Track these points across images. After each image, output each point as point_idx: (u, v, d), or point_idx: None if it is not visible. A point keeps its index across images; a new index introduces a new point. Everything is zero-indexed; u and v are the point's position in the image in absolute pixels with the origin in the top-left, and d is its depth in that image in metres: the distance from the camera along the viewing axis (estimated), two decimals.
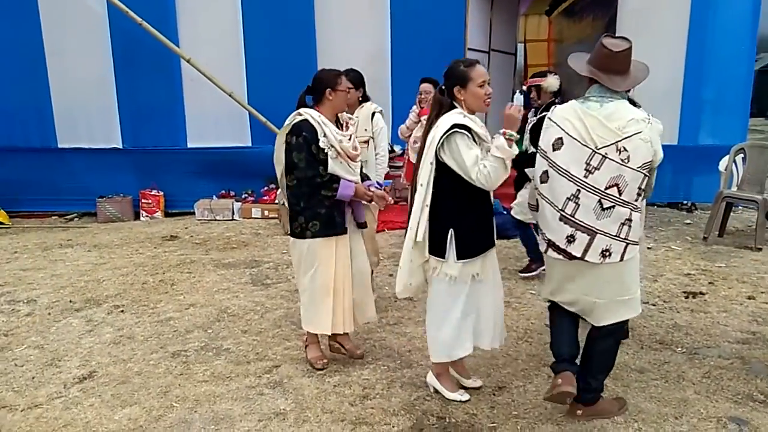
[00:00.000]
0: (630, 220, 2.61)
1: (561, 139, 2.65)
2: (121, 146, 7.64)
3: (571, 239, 2.64)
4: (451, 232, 2.83)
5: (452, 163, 2.77)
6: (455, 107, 2.85)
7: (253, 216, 7.47)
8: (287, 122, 3.25)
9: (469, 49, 7.68)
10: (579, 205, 2.60)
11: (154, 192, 7.65)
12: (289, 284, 4.90)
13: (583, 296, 2.74)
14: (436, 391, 3.11)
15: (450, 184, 2.81)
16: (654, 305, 4.33)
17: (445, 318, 2.95)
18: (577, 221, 2.62)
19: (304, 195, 3.20)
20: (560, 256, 2.69)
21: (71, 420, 2.96)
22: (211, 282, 5.01)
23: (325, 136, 3.16)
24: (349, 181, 3.25)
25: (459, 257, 2.84)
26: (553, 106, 2.83)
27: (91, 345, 3.82)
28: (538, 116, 4.56)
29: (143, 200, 7.62)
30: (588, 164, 2.58)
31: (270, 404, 3.06)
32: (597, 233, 2.60)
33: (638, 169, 2.58)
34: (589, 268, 2.66)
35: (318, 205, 3.20)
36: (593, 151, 2.58)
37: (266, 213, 7.43)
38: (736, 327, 3.94)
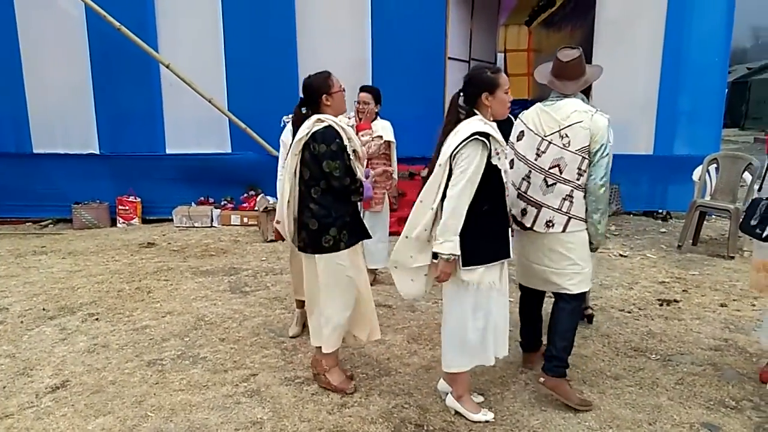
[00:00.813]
0: (571, 196, 3.01)
1: (523, 132, 3.18)
2: (98, 152, 7.56)
3: (524, 212, 3.12)
4: (468, 238, 2.76)
5: (457, 167, 2.71)
6: (475, 114, 2.81)
7: (232, 223, 7.42)
8: (305, 131, 3.03)
9: (450, 57, 7.74)
10: (530, 183, 3.10)
11: (131, 198, 7.57)
12: (267, 292, 4.87)
13: (535, 266, 3.17)
14: (457, 413, 3.00)
15: None
16: (629, 312, 4.39)
17: (460, 326, 2.89)
18: (528, 197, 3.10)
19: (334, 204, 3.05)
20: (517, 228, 3.15)
21: (43, 430, 2.90)
22: (189, 290, 4.96)
23: (349, 140, 3.06)
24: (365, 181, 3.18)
25: (465, 264, 2.78)
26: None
27: (65, 354, 3.76)
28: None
29: (120, 207, 7.53)
30: (538, 149, 3.08)
31: (247, 413, 3.03)
32: (542, 206, 3.06)
33: (576, 152, 2.99)
34: (537, 237, 3.11)
35: (345, 214, 3.09)
36: (542, 138, 3.07)
37: (245, 220, 7.39)
38: (709, 334, 4.01)
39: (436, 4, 7.45)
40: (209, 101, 7.07)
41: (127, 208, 7.53)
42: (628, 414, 3.01)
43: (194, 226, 7.36)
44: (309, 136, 3.01)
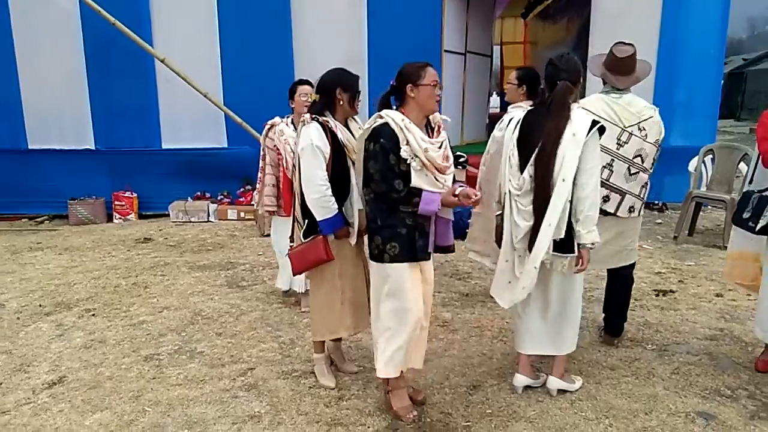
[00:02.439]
0: (647, 184, 3.39)
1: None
2: (93, 147, 7.53)
3: (606, 199, 3.31)
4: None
5: (591, 161, 2.76)
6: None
7: (228, 218, 7.42)
8: (367, 125, 2.76)
9: (446, 50, 7.74)
10: (612, 171, 3.31)
11: (127, 194, 7.56)
12: (264, 286, 4.87)
13: (609, 247, 3.38)
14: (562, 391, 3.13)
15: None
16: None
17: (579, 309, 3.10)
18: (611, 184, 3.32)
19: (381, 211, 2.74)
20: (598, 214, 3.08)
21: (40, 426, 2.90)
22: (186, 284, 4.96)
23: (407, 144, 2.64)
24: (433, 192, 2.69)
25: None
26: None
27: (61, 350, 3.75)
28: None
29: (116, 202, 7.51)
30: (619, 139, 3.29)
31: (244, 407, 3.04)
32: (626, 194, 3.35)
33: (654, 143, 3.34)
34: (617, 222, 3.37)
35: (398, 224, 2.71)
36: (622, 129, 3.29)
37: (242, 215, 7.39)
38: (705, 324, 4.02)
39: None
40: (205, 96, 7.04)
41: (123, 203, 7.51)
42: (624, 404, 3.02)
43: (191, 221, 7.35)
44: (370, 132, 2.72)
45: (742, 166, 5.95)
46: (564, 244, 2.82)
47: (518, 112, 3.33)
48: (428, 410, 2.98)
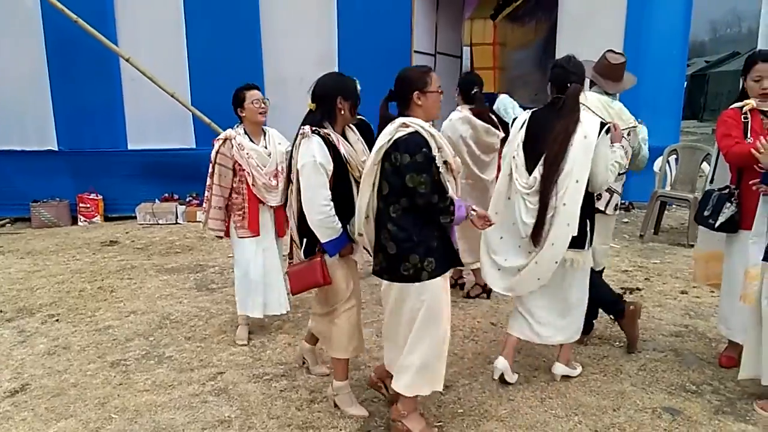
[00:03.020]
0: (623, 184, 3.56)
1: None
2: (56, 148, 7.33)
3: (599, 197, 3.35)
4: (587, 221, 3.05)
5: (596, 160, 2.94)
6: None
7: (197, 219, 7.28)
8: (386, 137, 2.55)
9: (416, 51, 7.74)
10: None
11: (92, 196, 7.37)
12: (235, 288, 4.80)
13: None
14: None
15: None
16: None
17: (586, 298, 3.23)
18: None
19: (416, 226, 2.56)
20: None
21: None
22: (153, 288, 4.87)
23: (439, 150, 2.57)
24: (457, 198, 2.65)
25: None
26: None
27: (24, 356, 3.64)
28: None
29: (81, 204, 7.33)
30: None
31: (214, 412, 2.99)
32: (614, 192, 3.46)
33: (633, 147, 3.49)
34: (603, 219, 3.43)
35: (431, 237, 2.59)
36: None
37: None
38: (670, 321, 4.11)
39: None
40: (172, 95, 6.91)
41: (88, 205, 7.33)
42: (593, 401, 3.07)
43: (158, 223, 7.22)
44: (391, 143, 2.54)
45: (705, 165, 6.10)
46: (576, 241, 2.99)
47: (456, 114, 4.19)
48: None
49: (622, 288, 4.75)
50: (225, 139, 3.60)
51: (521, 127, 3.10)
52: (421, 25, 8.04)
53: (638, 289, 4.74)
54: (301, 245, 2.88)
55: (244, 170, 3.59)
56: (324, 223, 2.72)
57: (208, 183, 3.67)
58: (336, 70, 7.38)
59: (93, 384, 3.29)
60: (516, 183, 3.04)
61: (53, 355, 3.67)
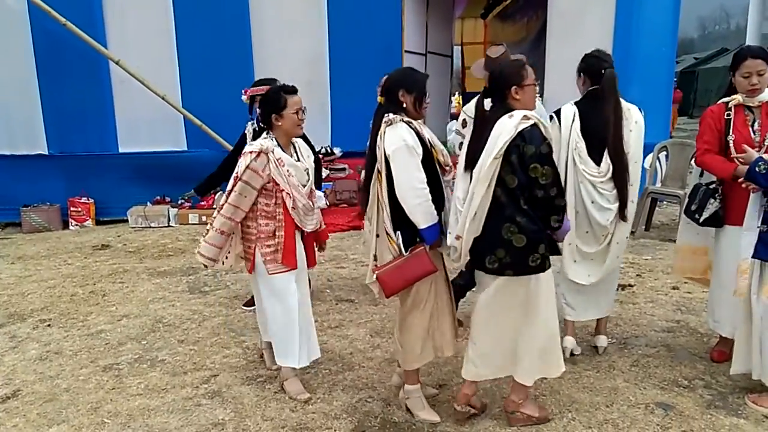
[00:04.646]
0: None
1: None
2: (46, 152, 7.29)
3: None
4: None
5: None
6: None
7: (190, 222, 7.28)
8: (510, 130, 2.50)
9: (406, 51, 7.76)
10: None
11: (83, 199, 7.33)
12: (228, 291, 4.80)
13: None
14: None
15: None
16: None
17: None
18: None
19: (541, 217, 2.62)
20: None
21: None
22: (146, 291, 4.85)
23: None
24: None
25: None
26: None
27: (15, 362, 3.62)
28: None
29: (72, 208, 7.27)
30: None
31: (208, 415, 2.98)
32: None
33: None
34: None
35: (546, 227, 2.66)
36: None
37: (204, 219, 7.24)
38: (662, 316, 4.14)
39: None
40: (162, 98, 6.89)
41: (79, 209, 7.29)
42: (586, 397, 3.08)
43: (150, 227, 7.19)
44: (517, 135, 2.52)
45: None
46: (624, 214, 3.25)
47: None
48: (394, 410, 2.99)
49: None
50: (260, 152, 2.92)
51: (573, 120, 3.24)
52: (411, 24, 8.05)
53: (630, 285, 4.77)
54: (396, 238, 2.73)
55: (282, 191, 2.96)
56: (423, 207, 2.66)
57: (221, 201, 3.04)
58: (327, 70, 7.48)
59: (85, 389, 3.27)
60: (582, 173, 3.19)
61: (45, 360, 3.64)
